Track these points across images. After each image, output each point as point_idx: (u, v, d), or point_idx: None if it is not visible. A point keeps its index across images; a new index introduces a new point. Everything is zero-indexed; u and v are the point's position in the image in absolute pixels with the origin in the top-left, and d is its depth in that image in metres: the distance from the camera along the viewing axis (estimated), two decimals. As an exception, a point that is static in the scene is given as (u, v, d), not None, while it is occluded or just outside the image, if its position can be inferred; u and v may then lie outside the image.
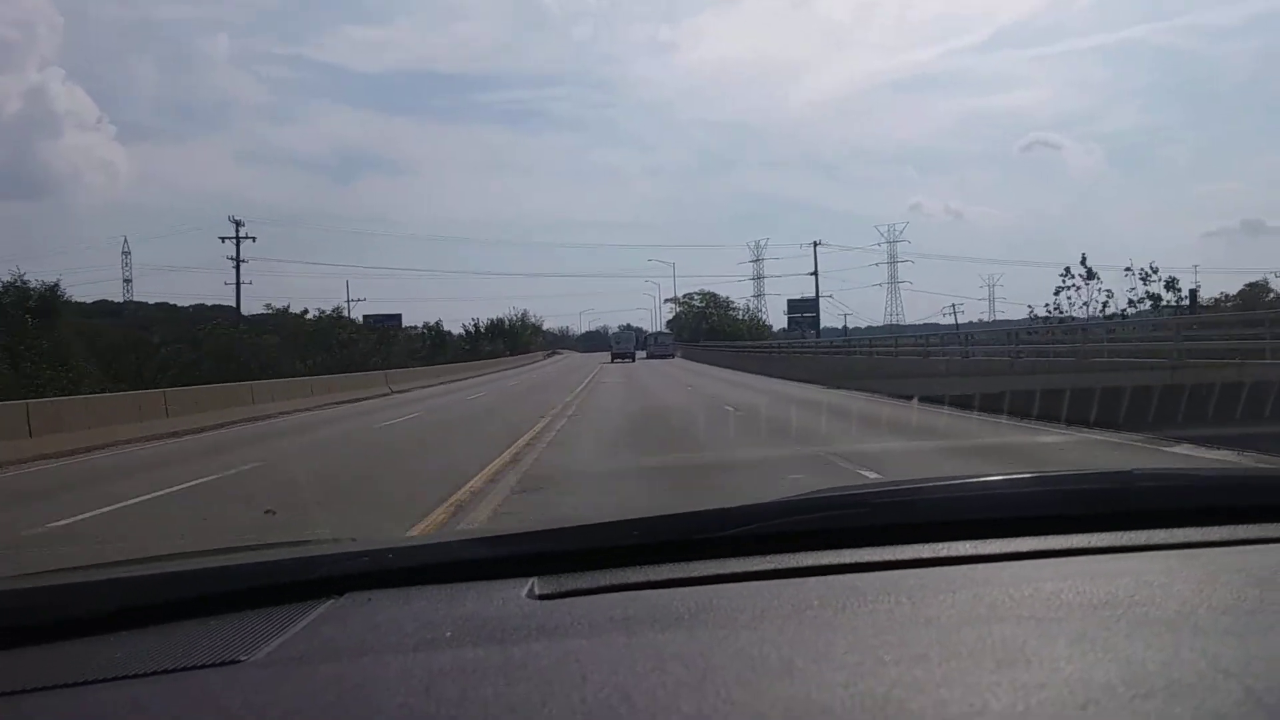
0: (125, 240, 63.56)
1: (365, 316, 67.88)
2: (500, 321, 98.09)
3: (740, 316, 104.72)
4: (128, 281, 69.05)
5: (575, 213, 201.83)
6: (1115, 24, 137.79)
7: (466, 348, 76.70)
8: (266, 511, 7.90)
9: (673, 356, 77.21)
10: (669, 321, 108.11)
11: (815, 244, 74.32)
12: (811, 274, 74.19)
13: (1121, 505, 1.44)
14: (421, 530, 6.88)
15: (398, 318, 73.65)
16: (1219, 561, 1.20)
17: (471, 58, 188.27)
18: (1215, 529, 1.34)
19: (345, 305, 68.18)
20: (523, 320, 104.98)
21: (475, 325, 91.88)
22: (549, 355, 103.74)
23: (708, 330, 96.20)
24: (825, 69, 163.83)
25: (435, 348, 70.32)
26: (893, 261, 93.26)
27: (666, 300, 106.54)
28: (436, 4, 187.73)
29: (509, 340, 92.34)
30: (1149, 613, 1.01)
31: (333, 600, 1.19)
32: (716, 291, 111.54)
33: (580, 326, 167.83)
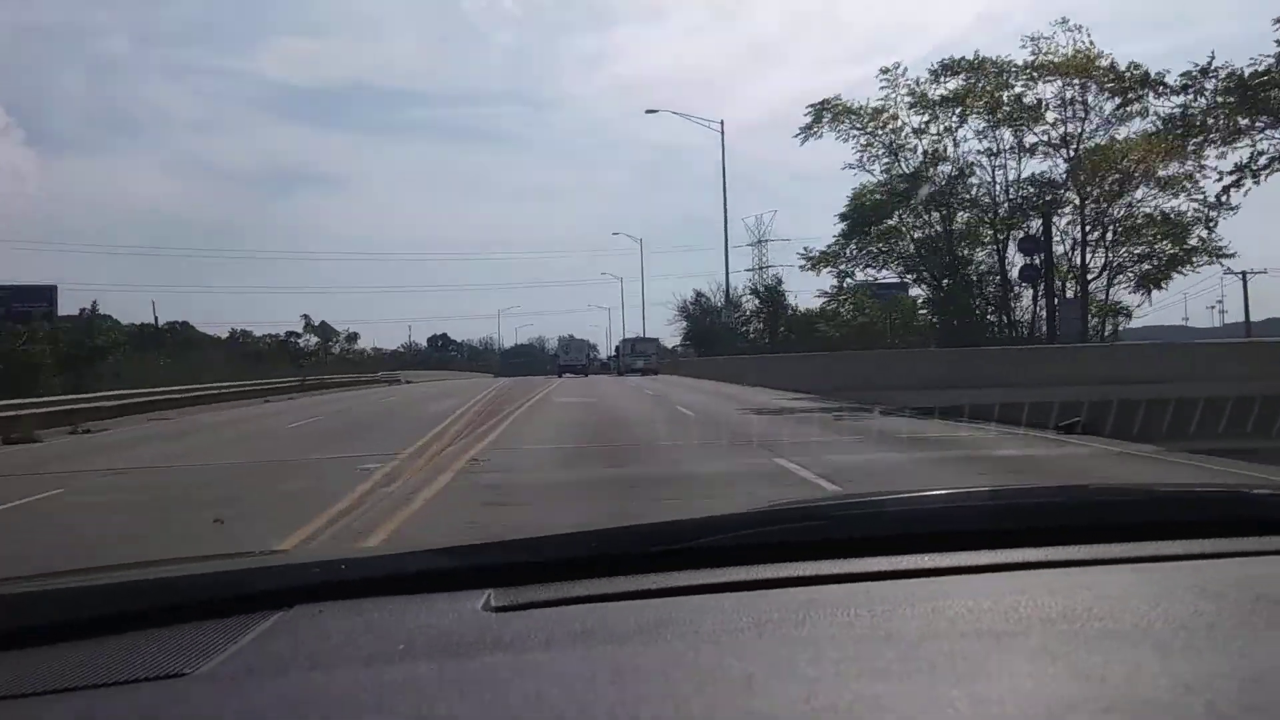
0: None
1: None
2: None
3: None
4: None
5: (513, 229, 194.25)
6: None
7: None
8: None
9: (656, 372, 54.03)
10: (751, 272, 56.91)
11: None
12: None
13: (1077, 519, 1.45)
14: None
15: (48, 292, 41.86)
16: (1174, 576, 1.21)
17: (407, 74, 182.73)
18: (1170, 543, 1.35)
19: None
20: None
21: None
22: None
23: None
24: (755, 85, 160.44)
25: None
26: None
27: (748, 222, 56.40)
28: (369, 17, 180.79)
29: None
30: (1108, 627, 1.01)
31: (282, 612, 1.15)
32: (704, 286, 60.47)
33: (508, 338, 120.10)
